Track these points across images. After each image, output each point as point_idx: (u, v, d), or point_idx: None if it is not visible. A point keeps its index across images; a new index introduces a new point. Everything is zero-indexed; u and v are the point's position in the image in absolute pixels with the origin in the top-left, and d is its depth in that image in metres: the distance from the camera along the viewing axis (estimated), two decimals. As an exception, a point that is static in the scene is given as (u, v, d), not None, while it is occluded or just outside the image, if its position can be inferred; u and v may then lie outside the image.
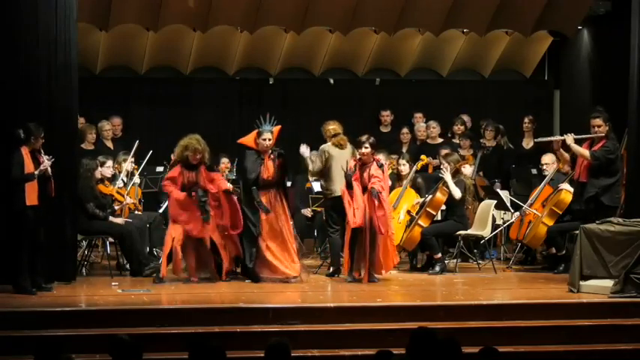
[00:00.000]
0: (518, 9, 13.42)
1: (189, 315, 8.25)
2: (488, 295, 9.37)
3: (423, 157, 11.96)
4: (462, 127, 13.21)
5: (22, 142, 9.05)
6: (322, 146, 10.59)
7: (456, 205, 10.87)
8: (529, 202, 11.19)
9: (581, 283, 9.29)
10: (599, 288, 9.16)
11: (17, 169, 8.96)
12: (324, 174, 10.52)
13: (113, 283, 9.74)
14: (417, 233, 10.84)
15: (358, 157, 10.09)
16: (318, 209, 11.80)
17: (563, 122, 14.53)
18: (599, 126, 10.12)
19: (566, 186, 10.82)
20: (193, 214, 9.87)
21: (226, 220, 9.92)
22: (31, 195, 8.99)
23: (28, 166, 8.99)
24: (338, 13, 13.25)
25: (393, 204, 11.18)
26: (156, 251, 10.80)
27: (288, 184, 10.80)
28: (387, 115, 13.88)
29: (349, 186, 9.92)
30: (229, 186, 10.12)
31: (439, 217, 11.26)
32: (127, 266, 10.55)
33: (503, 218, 11.87)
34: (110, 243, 11.19)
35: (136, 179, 11.54)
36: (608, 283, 9.12)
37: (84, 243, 10.60)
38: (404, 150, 12.91)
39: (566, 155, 10.67)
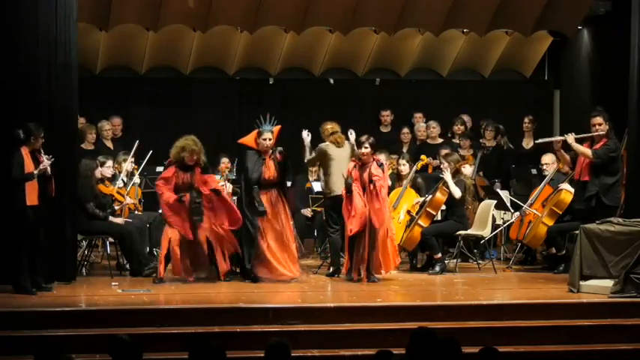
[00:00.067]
0: (518, 9, 13.42)
1: (189, 315, 8.25)
2: (488, 295, 9.37)
3: (423, 157, 11.96)
4: (462, 127, 13.22)
5: (22, 142, 9.05)
6: (320, 145, 10.61)
7: (456, 205, 10.88)
8: (529, 202, 11.19)
9: (581, 283, 9.29)
10: (599, 288, 9.16)
11: (17, 169, 8.96)
12: (324, 173, 10.54)
13: (113, 283, 9.74)
14: (417, 233, 10.84)
15: (358, 157, 10.10)
16: (318, 209, 11.80)
17: (563, 122, 14.53)
18: (599, 124, 10.13)
19: (566, 186, 10.82)
20: (183, 217, 9.84)
21: (223, 218, 9.91)
22: (32, 195, 8.99)
23: (28, 166, 8.99)
24: (338, 13, 13.25)
25: (393, 204, 11.19)
26: (156, 251, 10.79)
27: (288, 184, 10.80)
28: (387, 115, 13.88)
29: (349, 191, 9.93)
30: (218, 186, 10.10)
31: (439, 217, 11.27)
32: (127, 266, 10.55)
33: (503, 218, 11.87)
34: (110, 243, 11.19)
35: (136, 179, 11.55)
36: (608, 283, 9.12)
37: (84, 243, 10.60)
38: (404, 150, 12.91)
39: (567, 156, 10.68)
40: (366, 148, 10.02)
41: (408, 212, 11.25)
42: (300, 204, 12.21)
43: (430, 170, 12.42)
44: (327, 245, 11.07)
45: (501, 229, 11.72)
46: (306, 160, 10.82)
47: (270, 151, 10.05)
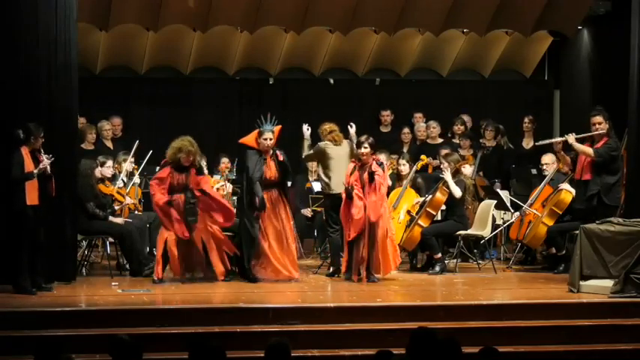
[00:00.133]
0: (518, 9, 13.42)
1: (189, 315, 8.25)
2: (488, 295, 9.37)
3: (423, 157, 11.96)
4: (462, 127, 13.22)
5: (22, 142, 9.05)
6: (318, 143, 10.62)
7: (456, 205, 10.88)
8: (529, 202, 11.19)
9: (581, 283, 9.29)
10: (599, 288, 9.16)
11: (17, 169, 8.96)
12: (323, 171, 10.55)
13: (113, 283, 9.74)
14: (417, 233, 10.84)
15: (357, 157, 10.11)
16: (318, 209, 11.81)
17: (563, 122, 14.53)
18: (599, 123, 10.14)
19: (566, 186, 10.82)
20: (175, 218, 9.81)
21: (217, 215, 9.90)
22: (32, 194, 8.98)
23: (28, 166, 8.99)
24: (338, 13, 13.25)
25: (393, 204, 11.20)
26: (156, 251, 10.78)
27: (289, 184, 10.80)
28: (387, 115, 13.88)
29: (349, 197, 9.93)
30: (208, 187, 10.08)
31: (439, 217, 11.27)
32: (127, 266, 10.55)
33: (503, 218, 11.87)
34: (110, 243, 11.19)
35: (136, 179, 11.55)
36: (608, 283, 9.12)
37: (84, 243, 10.60)
38: (404, 150, 12.91)
39: (568, 158, 10.68)
40: (365, 148, 10.03)
41: (408, 212, 11.25)
42: (300, 204, 12.22)
43: (430, 170, 12.42)
44: (327, 245, 11.08)
45: (501, 229, 11.71)
46: (303, 156, 10.82)
47: (271, 151, 10.06)
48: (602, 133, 10.13)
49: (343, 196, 10.01)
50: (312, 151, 10.63)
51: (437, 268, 10.69)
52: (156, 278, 9.79)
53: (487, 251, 11.48)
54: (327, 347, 7.92)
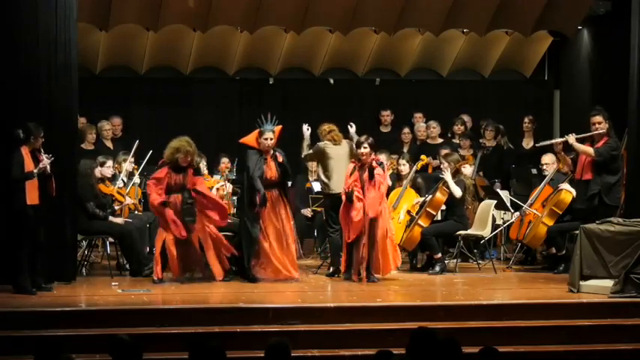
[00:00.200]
0: (518, 9, 13.42)
1: (189, 315, 8.25)
2: (488, 295, 9.37)
3: (423, 157, 11.96)
4: (462, 127, 13.22)
5: (21, 141, 9.05)
6: (318, 143, 10.62)
7: (456, 205, 10.88)
8: (529, 202, 11.19)
9: (581, 283, 9.29)
10: (599, 288, 9.16)
11: (17, 169, 8.96)
12: (323, 171, 10.56)
13: (113, 283, 9.74)
14: (417, 233, 10.84)
15: (357, 157, 10.11)
16: (318, 209, 11.81)
17: (563, 122, 14.53)
18: (599, 123, 10.15)
19: (566, 186, 10.83)
20: (171, 218, 9.81)
21: (212, 214, 9.90)
22: (32, 194, 8.98)
23: (28, 166, 8.99)
24: (338, 13, 13.25)
25: (393, 204, 11.20)
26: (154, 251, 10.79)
27: (289, 184, 10.80)
28: (387, 115, 13.88)
29: (349, 200, 9.93)
30: (202, 187, 10.07)
31: (439, 217, 11.27)
32: (127, 266, 10.55)
33: (503, 218, 11.87)
34: (110, 243, 11.19)
35: (136, 179, 11.55)
36: (608, 283, 9.12)
37: (84, 243, 10.60)
38: (405, 150, 12.91)
39: (568, 159, 10.68)
40: (365, 148, 10.02)
41: (408, 212, 11.25)
42: (300, 204, 12.22)
43: (430, 170, 12.42)
44: (327, 245, 11.08)
45: (501, 229, 11.71)
46: (303, 155, 10.82)
47: (272, 151, 10.06)
48: (602, 132, 10.15)
49: (343, 197, 10.00)
50: (311, 151, 10.64)
51: (437, 268, 10.69)
52: (156, 278, 9.80)
53: (487, 251, 11.48)
54: (327, 347, 7.92)
